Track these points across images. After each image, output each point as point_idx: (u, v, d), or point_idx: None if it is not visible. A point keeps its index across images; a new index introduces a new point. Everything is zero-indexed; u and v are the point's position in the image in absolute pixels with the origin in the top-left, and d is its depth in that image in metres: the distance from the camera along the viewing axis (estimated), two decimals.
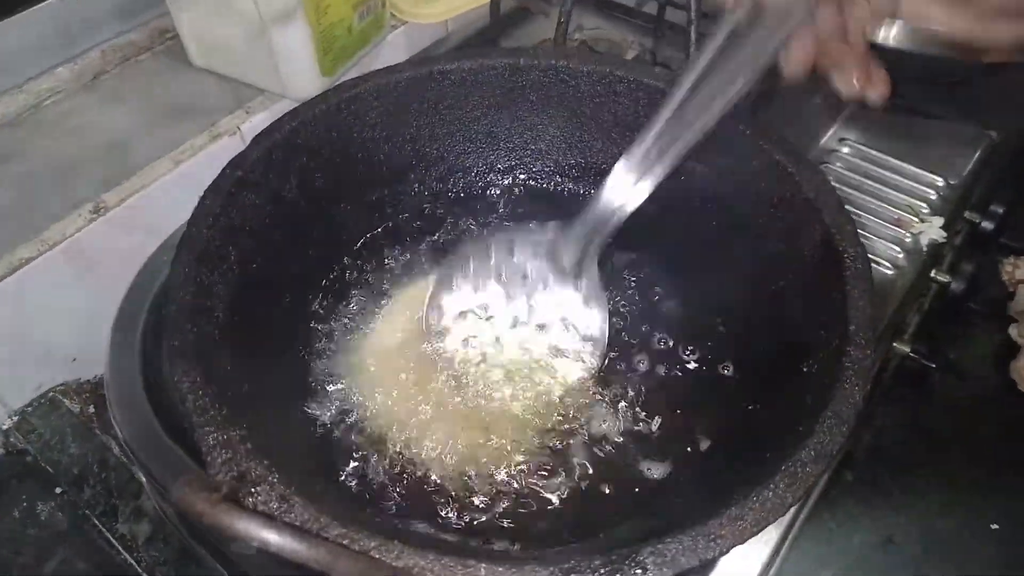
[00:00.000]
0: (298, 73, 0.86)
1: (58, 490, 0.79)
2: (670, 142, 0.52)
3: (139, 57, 0.96)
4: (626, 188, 0.54)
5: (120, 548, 0.74)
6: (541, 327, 0.59)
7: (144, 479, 0.65)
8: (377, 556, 0.36)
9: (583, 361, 0.58)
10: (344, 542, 0.36)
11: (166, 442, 0.61)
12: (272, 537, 0.28)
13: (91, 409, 0.84)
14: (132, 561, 0.73)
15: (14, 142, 0.85)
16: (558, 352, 0.59)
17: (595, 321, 0.58)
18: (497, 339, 0.59)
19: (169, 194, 0.84)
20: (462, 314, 0.60)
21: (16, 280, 0.76)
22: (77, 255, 0.79)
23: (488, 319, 0.60)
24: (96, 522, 0.76)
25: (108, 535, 0.75)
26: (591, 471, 0.53)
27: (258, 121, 0.89)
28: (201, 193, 0.52)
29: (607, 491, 0.52)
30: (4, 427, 0.82)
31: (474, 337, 0.59)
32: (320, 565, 0.28)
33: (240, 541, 0.28)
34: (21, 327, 0.79)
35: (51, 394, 0.84)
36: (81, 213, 0.79)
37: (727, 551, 0.36)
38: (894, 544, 0.74)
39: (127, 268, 0.76)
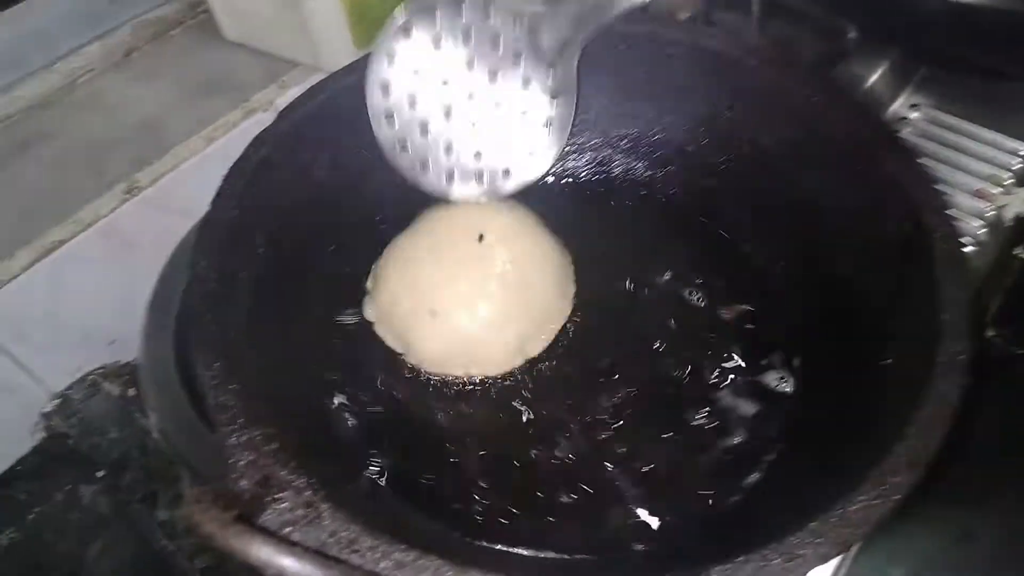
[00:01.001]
0: (331, 44, 0.83)
1: (99, 474, 0.79)
2: None
3: (171, 32, 0.93)
4: None
5: (161, 534, 0.73)
6: (497, 105, 0.52)
7: (182, 467, 0.63)
8: (416, 573, 0.33)
9: (532, 155, 0.53)
10: (377, 555, 0.33)
11: (201, 429, 0.59)
12: (290, 564, 0.25)
13: (130, 392, 0.83)
14: (173, 548, 0.71)
15: (47, 122, 0.84)
16: (507, 139, 0.53)
17: (559, 116, 0.52)
18: (448, 109, 0.53)
19: (203, 172, 0.81)
20: (416, 72, 0.52)
21: (51, 262, 0.74)
22: (111, 236, 0.78)
23: (444, 84, 0.52)
24: (137, 507, 0.75)
25: (149, 521, 0.74)
26: (645, 472, 0.49)
27: (292, 95, 0.84)
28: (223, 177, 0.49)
29: (664, 495, 0.48)
30: (46, 410, 0.82)
31: (418, 98, 0.52)
32: None
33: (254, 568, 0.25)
34: (58, 310, 0.78)
35: (91, 377, 0.83)
36: (114, 193, 0.78)
37: (804, 573, 0.32)
38: (971, 540, 0.69)
39: (162, 249, 0.74)
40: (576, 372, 0.53)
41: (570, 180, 0.66)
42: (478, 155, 0.54)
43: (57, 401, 0.82)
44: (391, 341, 0.54)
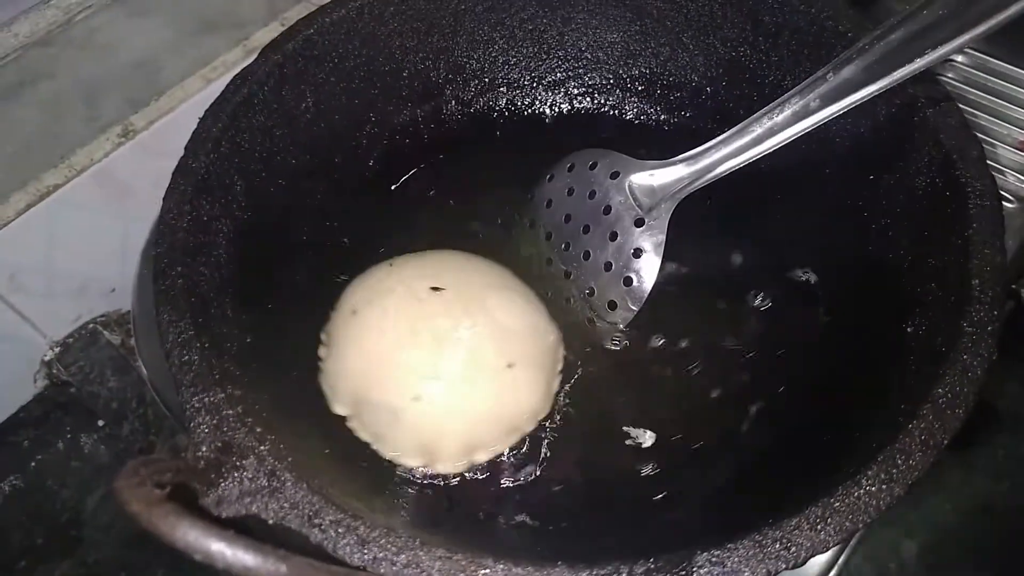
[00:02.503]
0: None
1: (100, 423, 0.78)
2: (835, 95, 0.42)
3: None
4: (755, 139, 0.45)
5: None
6: (587, 256, 0.52)
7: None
8: (379, 551, 0.30)
9: (615, 309, 0.51)
10: (340, 530, 0.31)
11: None
12: (219, 549, 0.22)
13: (131, 341, 0.82)
14: None
15: (43, 61, 0.81)
16: (591, 292, 0.52)
17: (641, 274, 0.49)
18: (549, 260, 0.54)
19: (199, 115, 0.78)
20: (532, 224, 0.55)
21: (45, 208, 0.73)
22: (107, 181, 0.76)
23: (547, 236, 0.54)
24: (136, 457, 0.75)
25: None
26: (640, 435, 0.46)
27: None
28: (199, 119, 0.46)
29: (656, 461, 0.45)
30: (47, 358, 0.81)
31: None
32: None
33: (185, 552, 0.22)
34: (55, 257, 0.76)
35: (91, 325, 0.82)
36: (109, 137, 0.76)
37: (803, 562, 0.29)
38: (994, 513, 0.66)
39: (159, 195, 0.72)
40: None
41: (577, 124, 0.62)
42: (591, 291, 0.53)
43: (57, 350, 0.81)
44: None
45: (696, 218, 0.51)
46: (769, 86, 0.53)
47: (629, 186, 0.50)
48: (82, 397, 0.79)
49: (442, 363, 0.44)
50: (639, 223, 0.50)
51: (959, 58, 0.74)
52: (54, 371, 0.82)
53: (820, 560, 0.47)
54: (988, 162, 0.64)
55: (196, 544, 0.22)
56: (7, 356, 0.78)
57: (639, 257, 0.50)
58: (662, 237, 0.49)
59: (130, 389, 0.79)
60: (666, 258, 0.50)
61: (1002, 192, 0.62)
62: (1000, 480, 0.67)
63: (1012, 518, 0.66)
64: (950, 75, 0.73)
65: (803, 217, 0.51)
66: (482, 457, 0.45)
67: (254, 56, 0.81)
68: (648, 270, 0.49)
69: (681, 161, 0.49)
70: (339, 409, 0.46)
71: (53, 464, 0.77)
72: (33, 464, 0.77)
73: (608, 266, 0.51)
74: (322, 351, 0.48)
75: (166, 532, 0.23)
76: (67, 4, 0.84)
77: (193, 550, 0.22)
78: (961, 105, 0.68)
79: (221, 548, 0.22)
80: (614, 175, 0.51)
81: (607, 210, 0.51)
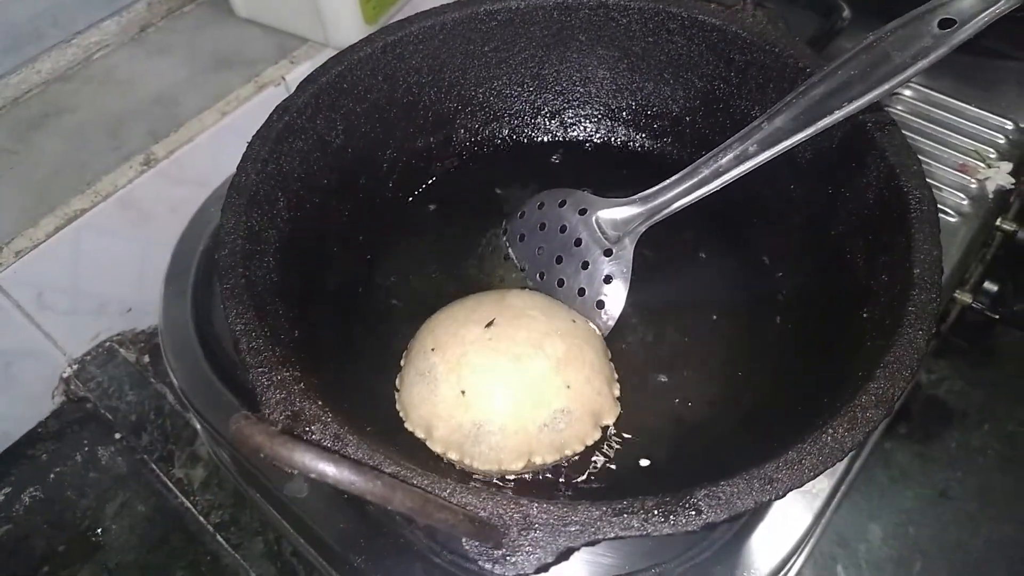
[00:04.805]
0: (340, 21, 0.85)
1: (117, 436, 0.82)
2: (770, 141, 0.49)
3: (184, 8, 0.96)
4: (703, 180, 0.52)
5: (177, 492, 0.76)
6: (561, 283, 0.57)
7: (199, 425, 0.66)
8: (432, 491, 0.36)
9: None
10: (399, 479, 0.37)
11: (219, 388, 0.62)
12: (330, 469, 0.28)
13: (146, 358, 0.86)
14: (188, 504, 0.75)
15: (65, 96, 0.87)
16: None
17: (612, 298, 0.55)
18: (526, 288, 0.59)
19: (216, 145, 0.84)
20: (505, 257, 0.60)
21: (72, 231, 0.77)
22: (129, 206, 0.81)
23: (521, 270, 0.60)
24: (153, 467, 0.79)
25: (165, 479, 0.77)
26: (638, 413, 0.52)
27: (302, 71, 0.88)
28: (247, 143, 0.52)
29: (660, 434, 0.51)
30: (65, 375, 0.85)
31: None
32: (376, 498, 0.28)
33: (299, 472, 0.28)
34: (78, 278, 0.80)
35: (108, 343, 0.86)
36: (132, 165, 0.80)
37: (783, 495, 0.36)
38: (949, 498, 0.73)
39: (178, 219, 0.77)
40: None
41: (572, 149, 0.69)
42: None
43: (76, 366, 0.85)
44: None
45: (676, 230, 0.58)
46: (740, 114, 0.61)
47: (596, 221, 0.56)
48: (100, 411, 0.83)
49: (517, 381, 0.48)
50: (608, 253, 0.55)
51: (907, 92, 0.83)
52: (72, 387, 0.85)
53: (792, 540, 0.54)
54: (930, 181, 0.73)
55: (311, 464, 0.28)
56: (28, 373, 0.81)
57: (609, 283, 0.55)
58: (629, 265, 0.55)
59: (147, 402, 0.83)
60: (653, 257, 0.57)
61: (944, 207, 0.71)
62: (954, 469, 0.74)
63: (965, 502, 0.73)
64: (899, 107, 0.81)
65: (773, 227, 0.58)
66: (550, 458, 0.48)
67: (265, 90, 0.89)
68: (618, 294, 0.55)
69: (639, 199, 0.55)
70: (417, 432, 0.50)
71: (72, 475, 0.80)
72: (52, 476, 0.80)
73: (582, 292, 0.56)
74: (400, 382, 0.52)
75: (286, 456, 0.28)
76: (87, 43, 0.90)
77: (308, 470, 0.28)
78: (908, 132, 0.78)
79: (331, 468, 0.28)
80: (582, 211, 0.56)
81: (578, 242, 0.56)
